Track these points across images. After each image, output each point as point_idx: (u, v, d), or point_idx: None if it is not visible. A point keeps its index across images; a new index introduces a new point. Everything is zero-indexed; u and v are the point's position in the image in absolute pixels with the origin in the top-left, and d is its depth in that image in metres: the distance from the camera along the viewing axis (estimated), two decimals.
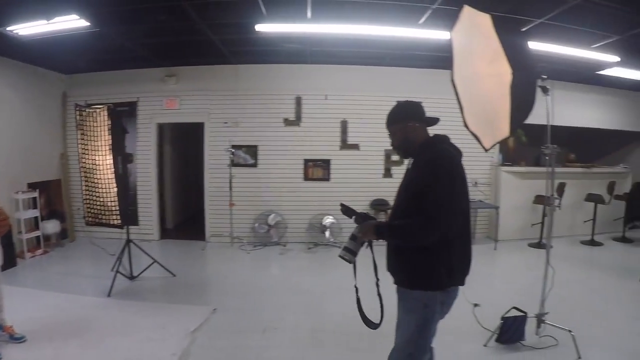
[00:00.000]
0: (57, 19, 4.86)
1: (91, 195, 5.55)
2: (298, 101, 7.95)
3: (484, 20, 2.75)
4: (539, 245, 7.66)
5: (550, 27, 5.40)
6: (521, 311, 3.97)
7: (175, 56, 7.40)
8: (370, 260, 2.36)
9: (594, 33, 5.67)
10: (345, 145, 8.05)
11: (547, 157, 4.05)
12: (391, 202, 2.77)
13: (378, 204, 7.81)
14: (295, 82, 7.96)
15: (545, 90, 3.74)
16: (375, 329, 2.39)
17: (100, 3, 4.81)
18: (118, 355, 3.67)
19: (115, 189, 5.35)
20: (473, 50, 3.05)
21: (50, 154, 7.84)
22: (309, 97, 7.97)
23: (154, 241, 8.06)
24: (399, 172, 7.05)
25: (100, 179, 5.41)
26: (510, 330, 3.87)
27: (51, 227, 7.31)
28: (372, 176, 8.06)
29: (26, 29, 5.11)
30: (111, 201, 5.41)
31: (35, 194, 7.00)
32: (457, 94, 3.14)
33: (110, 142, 5.22)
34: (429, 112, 2.46)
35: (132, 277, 5.62)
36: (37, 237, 7.06)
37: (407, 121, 2.40)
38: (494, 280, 6.03)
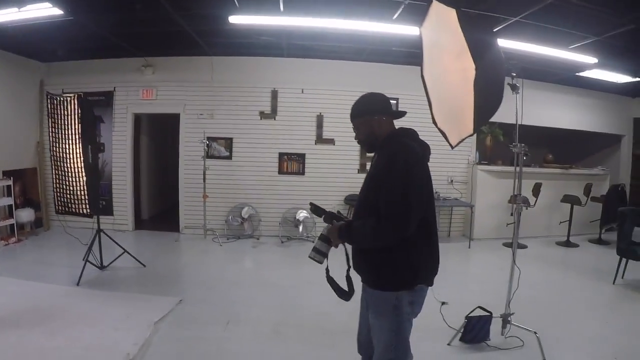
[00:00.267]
0: (29, 6, 4.85)
1: (61, 184, 5.55)
2: (274, 94, 7.98)
3: (451, 16, 2.65)
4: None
5: (526, 25, 5.45)
6: (486, 311, 3.93)
7: (152, 46, 7.39)
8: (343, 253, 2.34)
9: (571, 33, 5.73)
10: (320, 139, 8.09)
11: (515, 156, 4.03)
12: None
13: (353, 200, 7.83)
14: (271, 75, 7.98)
15: (514, 88, 3.72)
16: (348, 299, 2.32)
17: None
18: (81, 343, 3.68)
19: (85, 179, 5.36)
20: (441, 46, 3.00)
21: (27, 142, 7.79)
22: (285, 90, 7.99)
23: (128, 232, 8.07)
24: None
25: (70, 168, 5.41)
26: (475, 330, 3.84)
27: (25, 215, 7.30)
28: (347, 171, 8.12)
29: (2, 16, 5.09)
30: (80, 190, 5.41)
31: (10, 182, 6.96)
32: (426, 90, 3.06)
33: (80, 131, 5.23)
34: (406, 108, 2.46)
35: (102, 267, 5.63)
36: (12, 226, 7.02)
37: (372, 114, 2.30)
38: (465, 279, 6.05)
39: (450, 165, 8.21)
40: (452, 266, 6.45)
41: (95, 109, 7.34)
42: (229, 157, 8.04)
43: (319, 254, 2.27)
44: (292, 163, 8.11)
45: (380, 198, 2.05)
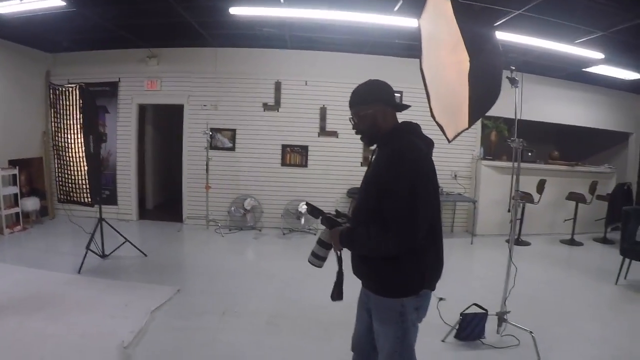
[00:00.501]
0: None
1: (63, 173, 5.61)
2: (277, 86, 7.98)
3: (448, 7, 2.64)
4: (516, 242, 7.50)
5: (529, 19, 5.37)
6: (482, 308, 3.91)
7: (156, 37, 7.41)
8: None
9: (576, 27, 5.64)
10: (323, 132, 8.09)
11: (513, 151, 3.93)
12: None
13: (355, 193, 7.82)
14: (275, 67, 7.99)
15: (513, 81, 3.65)
16: (334, 300, 2.21)
17: None
18: (77, 329, 3.74)
19: (87, 168, 5.41)
20: (439, 38, 2.97)
21: (33, 132, 7.88)
22: (288, 82, 8.00)
23: (132, 221, 8.14)
24: None
25: (72, 157, 5.46)
26: (469, 327, 3.80)
27: (31, 204, 7.38)
28: (350, 164, 8.11)
29: (6, 7, 5.13)
30: (82, 180, 5.47)
31: (15, 171, 7.05)
32: (425, 83, 3.01)
33: (82, 121, 5.28)
34: (410, 102, 2.35)
35: (103, 256, 5.71)
36: (17, 214, 7.12)
37: (378, 103, 2.10)
38: (465, 275, 6.00)
39: (454, 160, 8.19)
40: (452, 262, 6.33)
41: (100, 100, 7.46)
42: (232, 149, 8.07)
43: (318, 259, 2.17)
44: (295, 155, 8.11)
45: (385, 204, 1.89)
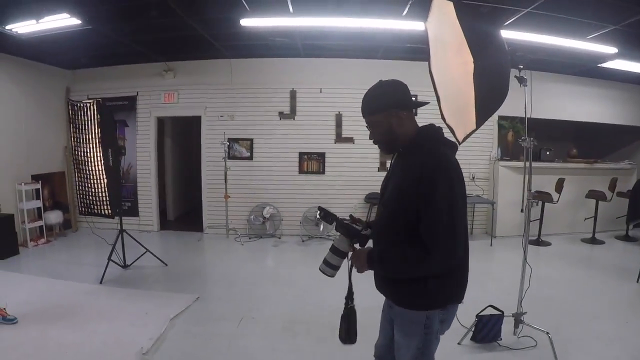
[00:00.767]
0: (48, 18, 5.00)
1: (83, 186, 5.75)
2: (293, 95, 8.04)
3: (451, 9, 2.65)
4: (537, 242, 7.52)
5: (539, 16, 5.33)
6: (498, 310, 3.86)
7: (172, 51, 7.56)
8: None
9: (588, 23, 5.57)
10: (340, 138, 8.11)
11: (525, 150, 3.90)
12: None
13: (373, 198, 7.86)
14: (289, 76, 8.05)
15: (521, 80, 3.63)
16: (344, 343, 2.13)
17: (89, 2, 4.96)
18: (98, 338, 3.82)
19: (106, 181, 5.54)
20: (445, 41, 2.96)
21: (55, 147, 8.06)
22: (303, 90, 8.06)
23: (153, 232, 8.27)
24: None
25: (92, 171, 5.60)
26: (486, 329, 3.77)
27: (54, 217, 7.56)
28: (367, 169, 8.11)
29: (24, 27, 5.28)
30: (102, 192, 5.60)
31: (38, 186, 7.22)
32: (434, 85, 2.99)
33: (100, 135, 5.42)
34: (427, 105, 2.19)
35: (125, 266, 5.82)
36: (41, 227, 7.28)
37: (391, 109, 1.94)
38: (484, 277, 5.90)
39: (472, 161, 8.08)
40: (471, 264, 6.24)
41: (119, 114, 7.65)
42: (250, 158, 8.15)
43: (330, 267, 2.05)
44: (312, 162, 8.15)
45: (423, 222, 1.78)
